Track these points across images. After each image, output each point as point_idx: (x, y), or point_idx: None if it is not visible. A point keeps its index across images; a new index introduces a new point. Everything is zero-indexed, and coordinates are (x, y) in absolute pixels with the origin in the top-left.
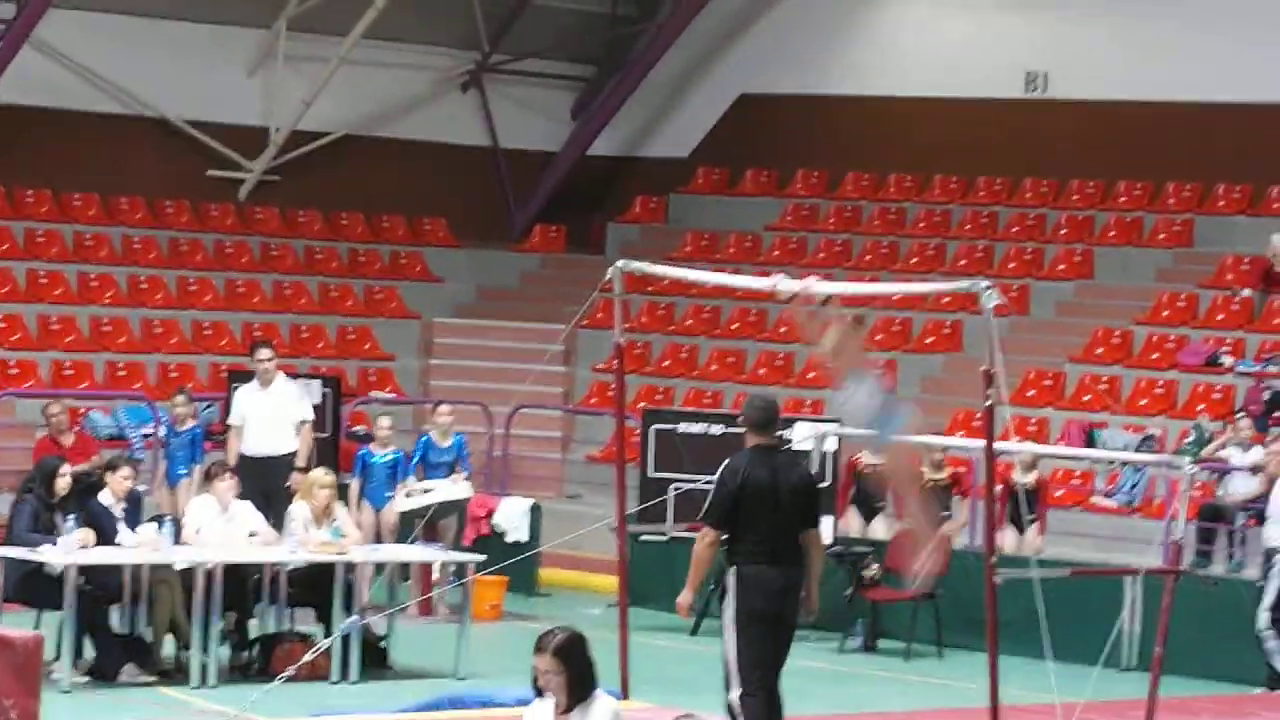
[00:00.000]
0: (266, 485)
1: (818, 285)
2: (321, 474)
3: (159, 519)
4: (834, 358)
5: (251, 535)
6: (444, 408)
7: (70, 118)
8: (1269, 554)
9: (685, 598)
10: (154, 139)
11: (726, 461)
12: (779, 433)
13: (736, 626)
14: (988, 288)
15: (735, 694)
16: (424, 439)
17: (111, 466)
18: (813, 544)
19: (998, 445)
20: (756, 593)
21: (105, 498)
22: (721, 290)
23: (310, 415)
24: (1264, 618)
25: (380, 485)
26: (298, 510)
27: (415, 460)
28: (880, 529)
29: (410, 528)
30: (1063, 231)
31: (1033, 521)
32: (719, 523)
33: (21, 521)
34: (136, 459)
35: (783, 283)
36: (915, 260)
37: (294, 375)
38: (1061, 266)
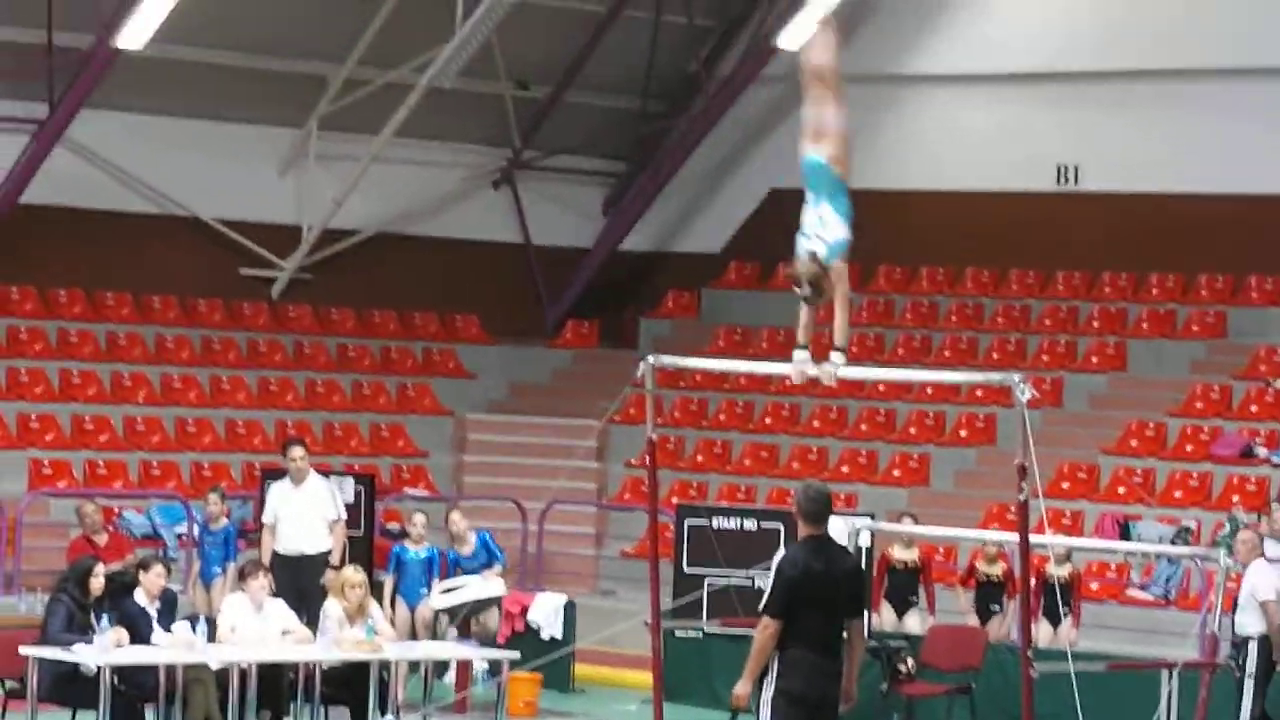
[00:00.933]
0: (300, 583)
1: (838, 370)
2: (352, 572)
3: (193, 618)
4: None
5: (286, 634)
6: (454, 515)
7: (102, 217)
8: (1243, 642)
9: (743, 688)
10: (186, 238)
11: (783, 553)
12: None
13: (773, 707)
14: (1020, 380)
15: None
16: (449, 552)
17: (144, 566)
18: (856, 634)
19: (1032, 538)
20: (799, 677)
21: (139, 597)
22: (755, 384)
23: (343, 513)
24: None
25: (415, 582)
26: (332, 609)
27: (451, 569)
28: (914, 623)
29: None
30: (1095, 324)
31: (1068, 615)
32: (779, 613)
33: (56, 622)
34: (170, 558)
35: (803, 367)
36: (948, 353)
37: (327, 473)
38: (1094, 359)
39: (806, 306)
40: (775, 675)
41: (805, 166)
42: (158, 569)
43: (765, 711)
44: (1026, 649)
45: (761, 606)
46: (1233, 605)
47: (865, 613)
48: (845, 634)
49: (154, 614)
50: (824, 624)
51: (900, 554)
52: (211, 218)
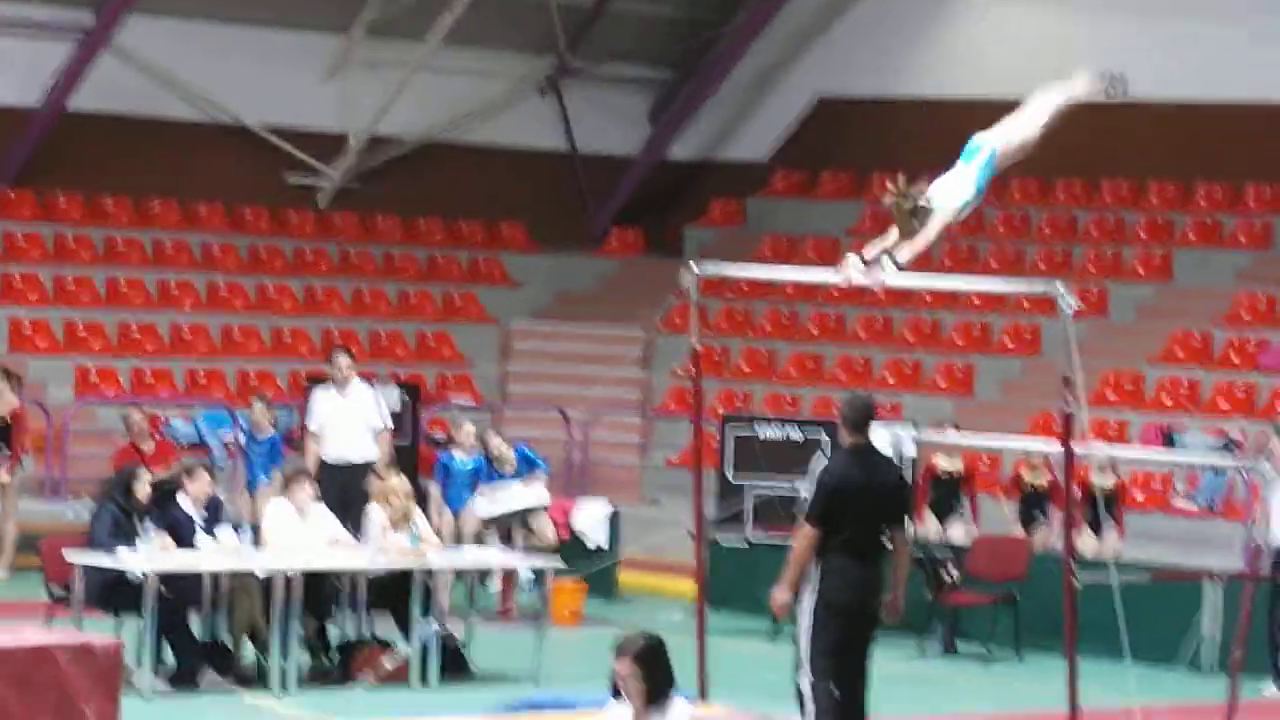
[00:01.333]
0: (345, 492)
1: (886, 276)
2: (397, 480)
3: (238, 525)
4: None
5: (330, 541)
6: (494, 440)
7: (149, 124)
8: None
9: (781, 594)
10: (233, 145)
11: (824, 463)
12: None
13: (814, 615)
14: (1065, 290)
15: (806, 681)
16: (491, 469)
17: (189, 472)
18: (900, 544)
19: (1076, 449)
20: (840, 586)
21: (185, 504)
22: (800, 293)
23: (389, 422)
24: None
25: (461, 490)
26: (376, 515)
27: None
28: (958, 533)
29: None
30: (1141, 234)
31: (1112, 525)
32: (818, 521)
33: (102, 528)
34: (216, 465)
35: (853, 272)
36: (994, 264)
37: (372, 381)
38: (1140, 269)
39: (894, 230)
40: (816, 583)
41: (975, 143)
42: (203, 475)
43: (805, 619)
44: (1070, 559)
45: (803, 514)
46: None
47: (909, 524)
48: (890, 544)
49: (200, 520)
50: (865, 533)
51: (944, 464)
52: (257, 124)
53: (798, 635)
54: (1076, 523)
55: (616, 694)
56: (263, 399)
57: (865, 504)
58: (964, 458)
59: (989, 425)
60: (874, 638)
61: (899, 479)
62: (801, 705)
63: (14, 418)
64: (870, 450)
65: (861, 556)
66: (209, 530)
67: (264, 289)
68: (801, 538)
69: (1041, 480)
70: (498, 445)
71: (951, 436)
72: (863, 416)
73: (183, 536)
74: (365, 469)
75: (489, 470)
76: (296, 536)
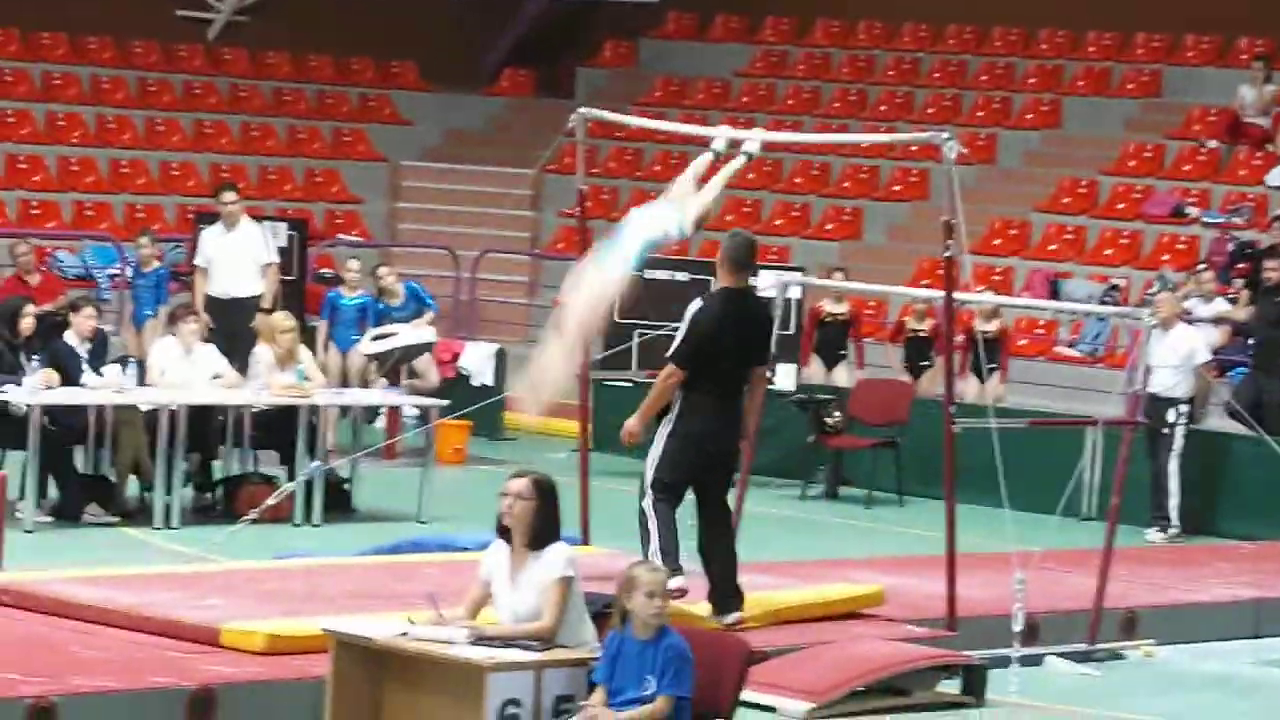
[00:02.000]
0: (232, 327)
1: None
2: (282, 318)
3: (123, 360)
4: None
5: (216, 378)
6: (381, 269)
7: None
8: (1168, 403)
9: (634, 424)
10: None
11: (700, 303)
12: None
13: (666, 443)
14: (948, 138)
15: (648, 501)
16: (377, 304)
17: (75, 307)
18: (758, 379)
19: (960, 295)
20: (698, 418)
21: (70, 338)
22: (689, 138)
23: (275, 258)
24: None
25: (348, 328)
26: (262, 353)
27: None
28: (842, 376)
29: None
30: (1031, 80)
31: (994, 371)
32: (686, 361)
33: None
34: (103, 300)
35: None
36: (884, 108)
37: (260, 218)
38: (1029, 116)
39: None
40: (675, 415)
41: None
42: (88, 310)
43: (657, 449)
44: (949, 404)
45: (669, 353)
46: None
47: (769, 360)
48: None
49: (84, 355)
50: (731, 373)
51: (831, 308)
52: None
53: (647, 463)
54: (961, 368)
55: (501, 530)
56: (149, 233)
57: (734, 347)
58: (850, 302)
59: (876, 270)
60: (730, 481)
61: (768, 319)
62: (644, 529)
63: None
64: (746, 293)
65: (723, 397)
66: (95, 366)
67: (153, 123)
68: (665, 375)
69: (926, 326)
70: (386, 277)
71: (838, 282)
72: (745, 256)
73: (68, 371)
74: (252, 304)
75: (376, 308)
76: (183, 374)
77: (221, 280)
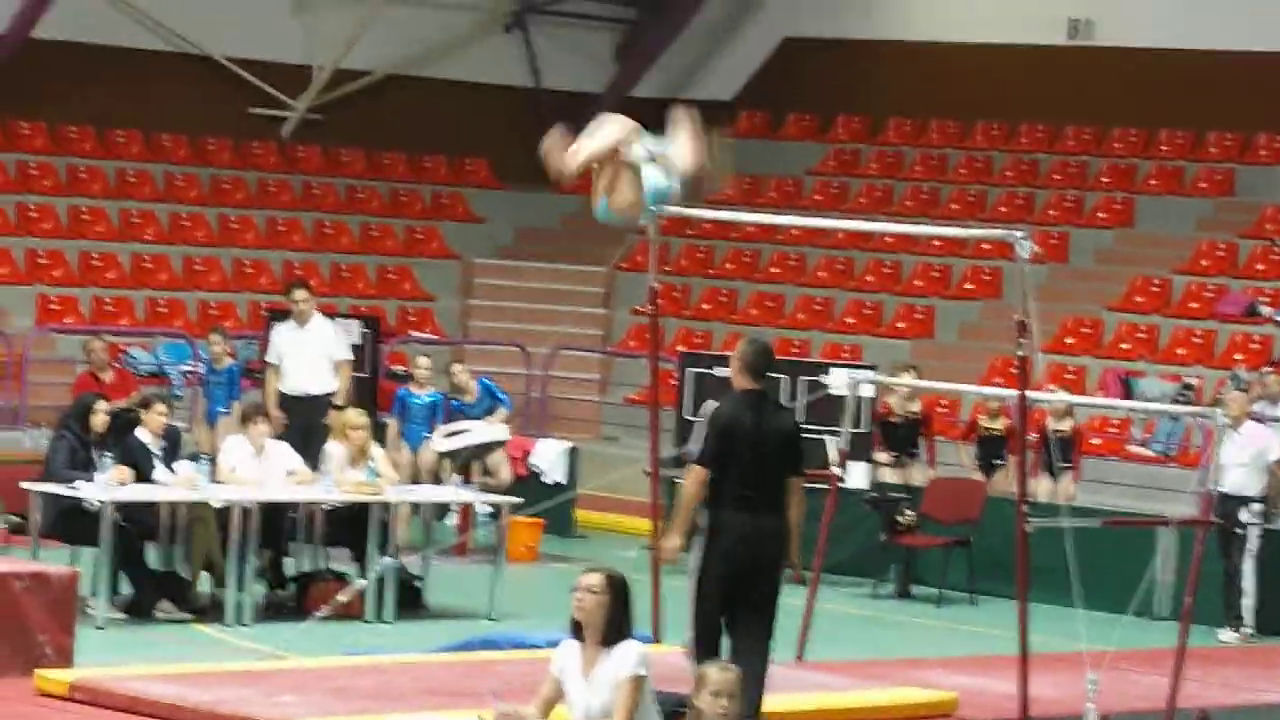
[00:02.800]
0: (305, 424)
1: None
2: (355, 415)
3: (196, 456)
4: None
5: (289, 474)
6: (455, 366)
7: (115, 54)
8: (1241, 501)
9: (670, 541)
10: (198, 76)
11: (717, 405)
12: (769, 375)
13: (701, 570)
14: (1022, 237)
15: (689, 633)
16: (452, 402)
17: (147, 403)
18: (793, 493)
19: (1033, 394)
20: (726, 537)
21: (143, 434)
22: (761, 233)
23: (348, 355)
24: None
25: (418, 425)
26: (334, 450)
27: (453, 414)
28: (916, 475)
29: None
30: (1104, 179)
31: (1067, 470)
32: (708, 462)
33: (59, 458)
34: (176, 396)
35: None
36: (956, 207)
37: (333, 315)
38: (1102, 214)
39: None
40: (707, 534)
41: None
42: (160, 406)
43: (691, 579)
44: (1022, 503)
45: (691, 460)
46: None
47: (803, 471)
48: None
49: (158, 452)
50: (755, 481)
51: (902, 407)
52: (223, 55)
53: (689, 588)
54: (1033, 467)
55: (575, 627)
56: (220, 330)
57: (755, 449)
58: (922, 400)
59: (948, 368)
60: (773, 590)
61: (792, 428)
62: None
63: None
64: (763, 396)
65: (752, 507)
66: (167, 462)
67: (226, 220)
68: (691, 478)
69: (999, 425)
70: (460, 374)
71: (909, 380)
72: (761, 362)
73: (140, 467)
74: (325, 401)
75: (450, 404)
76: (254, 470)
77: (294, 377)
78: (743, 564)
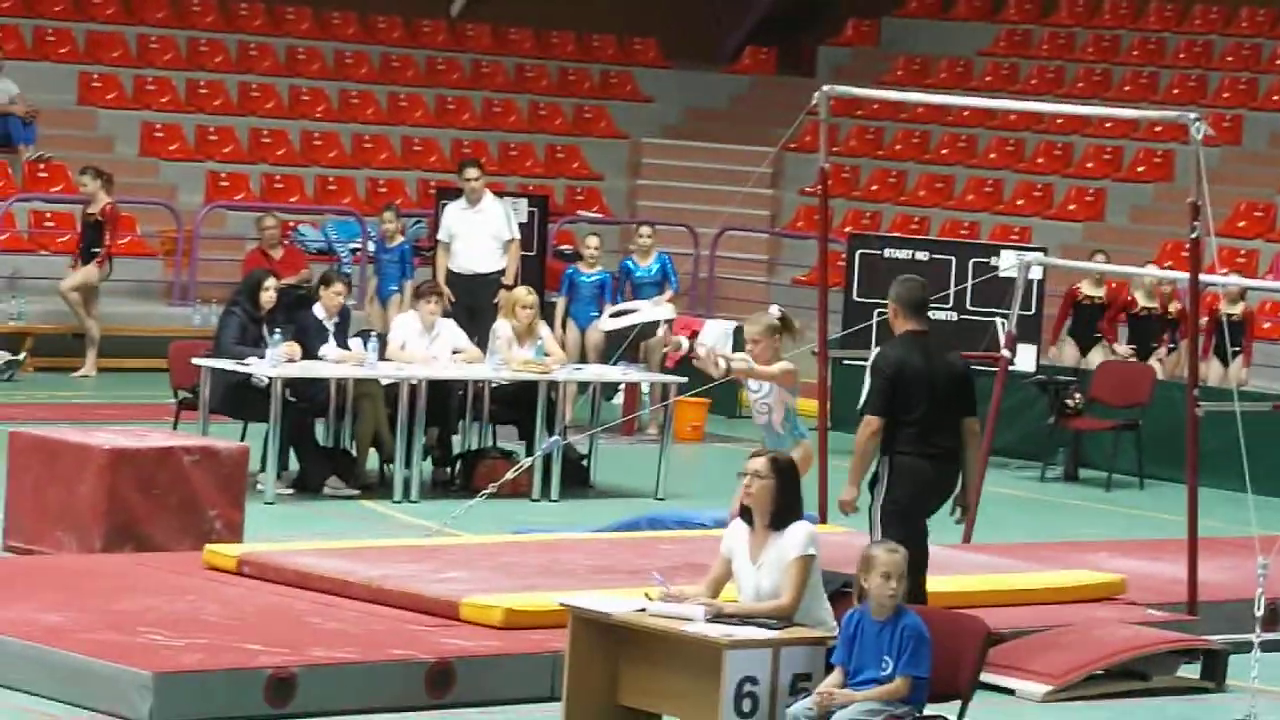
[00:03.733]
0: (473, 303)
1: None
2: (524, 293)
3: (365, 334)
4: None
5: (456, 353)
6: (644, 229)
7: None
8: None
9: (849, 493)
10: None
11: (880, 349)
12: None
13: (883, 519)
14: (1196, 119)
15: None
16: (625, 261)
17: (326, 281)
18: (970, 435)
19: (1204, 277)
20: (906, 486)
21: (318, 311)
22: (931, 114)
23: (517, 234)
24: None
25: (586, 305)
26: (502, 328)
27: (621, 284)
28: (1094, 358)
29: (615, 347)
30: (1278, 61)
31: (1238, 354)
32: (880, 411)
33: (229, 333)
34: (345, 274)
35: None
36: (1129, 88)
37: (501, 193)
38: (1276, 97)
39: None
40: (885, 484)
41: None
42: (338, 286)
43: (876, 522)
44: (1193, 387)
45: (860, 406)
46: None
47: (975, 410)
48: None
49: (331, 329)
50: (931, 425)
51: (1088, 290)
52: None
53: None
54: (1204, 351)
55: (744, 510)
56: (392, 208)
57: (926, 392)
58: (1107, 285)
59: (1120, 251)
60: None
61: (961, 369)
62: None
63: (105, 216)
64: (925, 336)
65: (930, 456)
66: (340, 340)
67: (395, 98)
68: (863, 428)
69: (1156, 304)
70: (645, 237)
71: (1078, 262)
72: (919, 300)
73: (314, 344)
74: (493, 280)
75: (627, 271)
76: (423, 348)
77: (464, 256)
78: (921, 512)
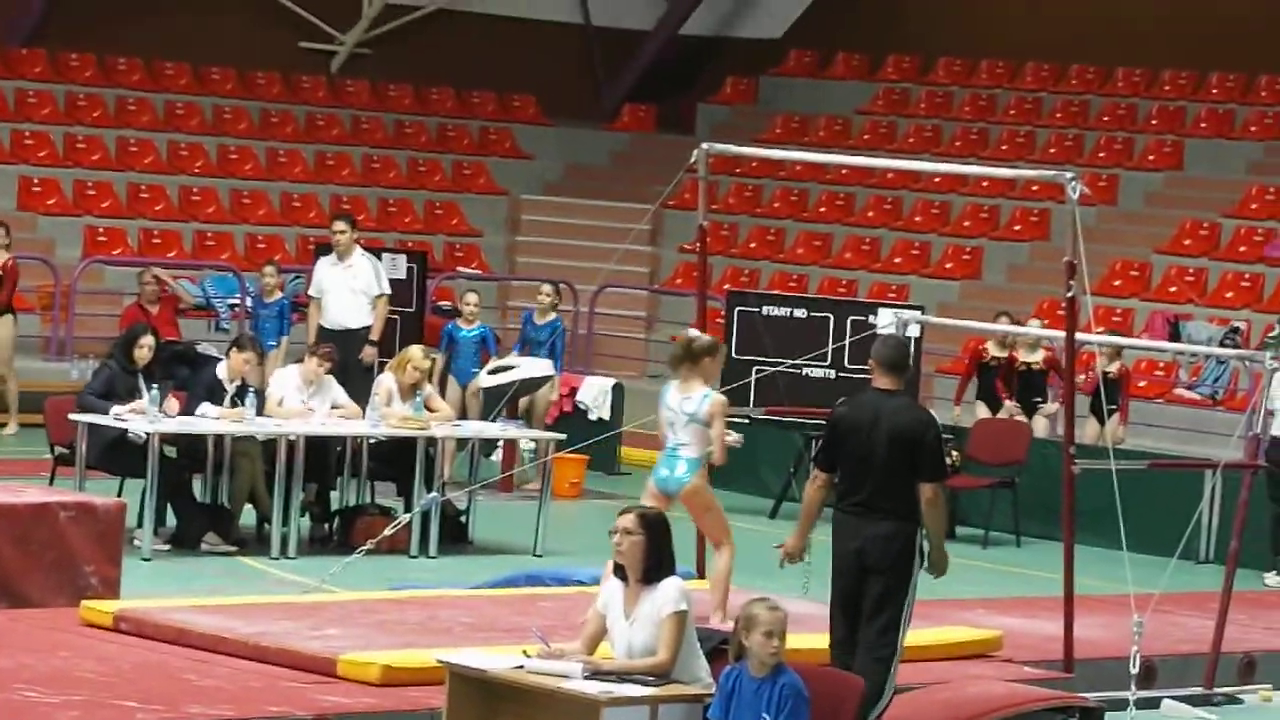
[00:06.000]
0: (342, 358)
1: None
2: (419, 354)
3: (242, 389)
4: None
5: (334, 408)
6: (546, 287)
7: None
8: None
9: (791, 542)
10: (246, 8)
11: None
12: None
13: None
14: (1072, 178)
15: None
16: (526, 315)
17: (240, 346)
18: (923, 498)
19: (1080, 336)
20: (837, 538)
21: (221, 371)
22: (809, 173)
23: (386, 289)
24: None
25: (466, 361)
26: (385, 382)
27: (520, 338)
28: (1040, 426)
29: (493, 404)
30: (1153, 122)
31: (1114, 412)
32: (821, 463)
33: (95, 384)
34: (222, 329)
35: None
36: (1005, 147)
37: (380, 249)
38: (1151, 157)
39: None
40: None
41: None
42: (249, 354)
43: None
44: (1069, 445)
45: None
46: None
47: (933, 475)
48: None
49: (230, 392)
50: (862, 484)
51: (995, 351)
52: None
53: None
54: (1079, 409)
55: (617, 570)
56: (273, 263)
57: (862, 448)
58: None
59: (995, 310)
60: (884, 595)
61: (912, 426)
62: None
63: (4, 270)
64: (891, 397)
65: (860, 507)
66: (236, 403)
67: (275, 154)
68: (810, 481)
69: (1037, 358)
70: (544, 295)
71: (949, 320)
72: (892, 360)
73: (213, 400)
74: (360, 336)
75: (492, 341)
76: (301, 404)
77: (334, 310)
78: (849, 571)
